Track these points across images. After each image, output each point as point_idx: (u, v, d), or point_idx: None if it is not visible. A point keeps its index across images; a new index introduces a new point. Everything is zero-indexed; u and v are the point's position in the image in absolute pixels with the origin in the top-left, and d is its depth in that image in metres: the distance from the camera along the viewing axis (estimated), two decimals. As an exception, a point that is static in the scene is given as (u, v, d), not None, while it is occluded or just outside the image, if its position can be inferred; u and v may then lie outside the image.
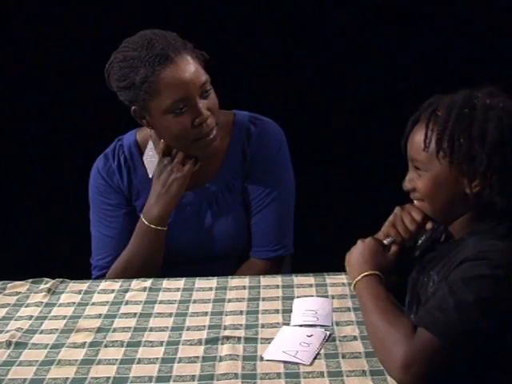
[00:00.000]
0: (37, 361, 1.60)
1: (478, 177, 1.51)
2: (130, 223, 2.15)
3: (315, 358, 1.56)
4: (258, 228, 2.16)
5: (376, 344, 1.51)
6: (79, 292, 1.95)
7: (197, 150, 2.05)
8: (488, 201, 1.53)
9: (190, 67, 1.97)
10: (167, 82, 1.96)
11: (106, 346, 1.65)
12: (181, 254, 2.14)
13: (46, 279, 2.01)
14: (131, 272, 2.07)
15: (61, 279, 2.02)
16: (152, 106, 1.99)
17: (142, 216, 2.10)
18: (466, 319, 1.42)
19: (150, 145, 2.15)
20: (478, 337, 1.43)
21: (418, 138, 1.57)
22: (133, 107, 2.03)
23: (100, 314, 1.81)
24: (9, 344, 1.66)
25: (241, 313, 1.79)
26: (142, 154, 2.18)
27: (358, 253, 1.66)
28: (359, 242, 1.68)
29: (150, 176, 2.12)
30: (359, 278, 1.61)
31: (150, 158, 2.14)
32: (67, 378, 1.54)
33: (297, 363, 1.54)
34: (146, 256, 2.10)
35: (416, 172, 1.59)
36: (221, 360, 1.57)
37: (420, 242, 1.72)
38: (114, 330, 1.73)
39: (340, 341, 1.62)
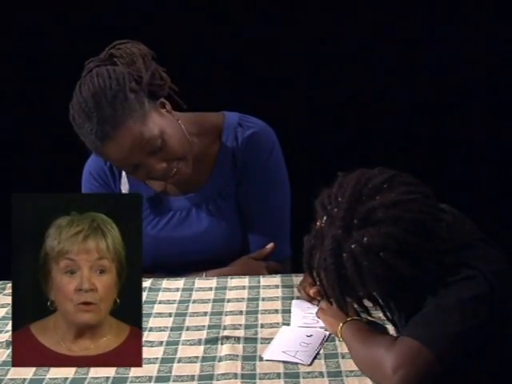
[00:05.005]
0: (36, 361, 1.60)
1: None
2: None
3: (315, 358, 1.56)
4: (253, 234, 2.15)
5: (364, 368, 1.49)
6: (79, 292, 1.95)
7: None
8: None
9: (129, 139, 1.91)
10: (109, 158, 1.99)
11: (105, 346, 1.65)
12: (175, 259, 2.13)
13: (46, 279, 2.01)
14: None
15: (60, 279, 2.01)
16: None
17: None
18: (449, 322, 1.41)
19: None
20: (464, 338, 1.41)
21: None
22: None
23: (99, 314, 1.81)
24: (8, 344, 1.66)
25: (240, 313, 1.80)
26: None
27: (331, 308, 1.67)
28: (326, 303, 1.70)
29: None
30: (341, 325, 1.61)
31: (125, 185, 2.15)
32: (66, 378, 1.54)
33: (296, 363, 1.55)
34: None
35: None
36: (220, 360, 1.57)
37: None
38: (114, 330, 1.73)
39: (340, 341, 1.62)
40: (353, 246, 1.43)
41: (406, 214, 1.44)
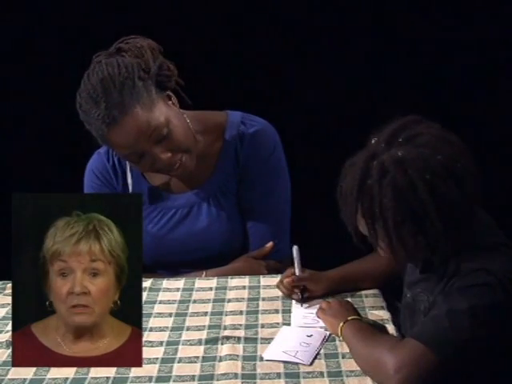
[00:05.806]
0: (36, 361, 1.60)
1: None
2: None
3: (315, 357, 1.56)
4: (253, 232, 2.15)
5: (366, 368, 1.49)
6: (79, 292, 1.95)
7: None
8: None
9: (135, 125, 1.91)
10: (115, 145, 1.97)
11: (105, 346, 1.65)
12: (175, 257, 2.14)
13: (46, 279, 2.01)
14: None
15: (60, 279, 2.01)
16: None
17: None
18: (459, 328, 1.40)
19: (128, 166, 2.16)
20: (472, 346, 1.40)
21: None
22: None
23: (100, 314, 1.81)
24: (8, 344, 1.66)
25: (240, 313, 1.80)
26: None
27: (331, 308, 1.69)
28: (326, 303, 1.72)
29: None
30: (342, 324, 1.61)
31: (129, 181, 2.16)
32: (67, 378, 1.54)
33: (297, 363, 1.55)
34: None
35: None
36: (221, 360, 1.57)
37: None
38: (114, 330, 1.73)
39: (340, 341, 1.62)
40: (384, 157, 1.46)
41: (451, 152, 1.45)
